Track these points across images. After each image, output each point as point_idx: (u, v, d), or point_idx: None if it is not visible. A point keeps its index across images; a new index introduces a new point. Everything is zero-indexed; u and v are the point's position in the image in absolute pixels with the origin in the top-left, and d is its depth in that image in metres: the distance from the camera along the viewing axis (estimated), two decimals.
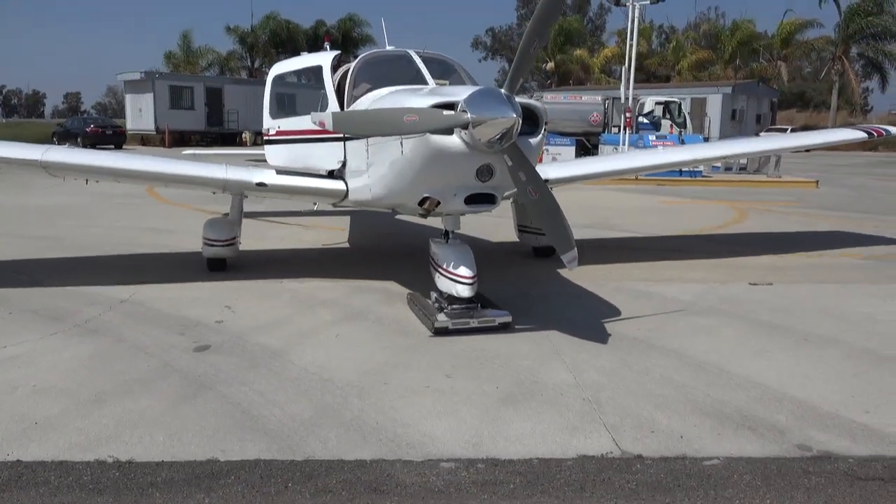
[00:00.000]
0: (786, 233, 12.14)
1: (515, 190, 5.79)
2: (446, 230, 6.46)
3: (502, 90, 5.29)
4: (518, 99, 5.38)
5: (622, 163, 10.34)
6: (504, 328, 6.14)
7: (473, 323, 6.07)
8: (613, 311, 6.95)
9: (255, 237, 10.38)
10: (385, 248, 10.66)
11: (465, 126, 5.20)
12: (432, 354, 5.68)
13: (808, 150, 11.85)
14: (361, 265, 9.13)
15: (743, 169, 22.60)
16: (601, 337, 6.17)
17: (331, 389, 4.97)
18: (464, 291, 5.98)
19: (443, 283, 6.16)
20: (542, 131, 5.80)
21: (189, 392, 4.91)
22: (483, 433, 4.34)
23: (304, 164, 8.04)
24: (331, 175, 7.59)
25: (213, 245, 8.42)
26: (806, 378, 5.26)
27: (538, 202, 5.57)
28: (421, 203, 6.00)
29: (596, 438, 4.28)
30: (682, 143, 24.87)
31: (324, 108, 7.63)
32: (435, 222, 6.57)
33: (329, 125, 5.62)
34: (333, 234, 11.40)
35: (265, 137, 8.84)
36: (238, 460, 3.97)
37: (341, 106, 7.40)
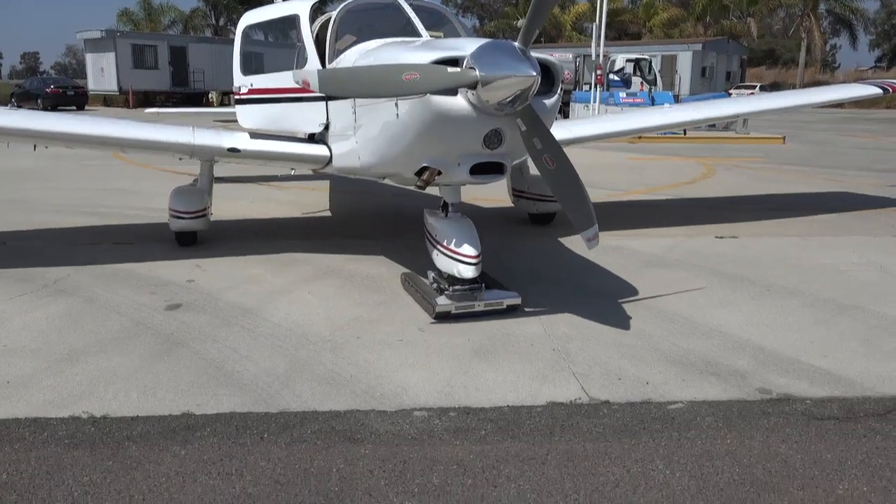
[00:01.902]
0: (752, 188, 12.32)
1: (525, 158, 5.32)
2: (445, 202, 5.72)
3: (516, 43, 4.60)
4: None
5: (639, 121, 9.64)
6: (512, 311, 5.55)
7: (479, 306, 5.45)
8: (582, 266, 7.06)
9: (226, 203, 10.20)
10: (372, 215, 10.00)
11: (472, 86, 4.54)
12: (405, 310, 5.74)
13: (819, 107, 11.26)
14: (345, 237, 8.88)
15: (712, 126, 22.76)
16: (571, 290, 6.28)
17: (304, 345, 5.02)
18: (467, 272, 5.31)
19: (442, 262, 5.50)
20: (559, 91, 5.11)
21: (162, 349, 4.92)
22: (455, 383, 4.43)
23: (280, 127, 7.37)
24: (311, 139, 6.97)
25: (181, 217, 7.55)
26: (768, 326, 5.43)
27: (555, 173, 4.95)
28: (419, 173, 5.31)
29: (565, 386, 4.39)
30: (653, 100, 24.99)
31: (301, 63, 7.03)
32: (434, 189, 5.95)
33: (314, 85, 4.72)
34: (312, 195, 11.30)
35: (236, 97, 8.11)
36: (213, 413, 4.01)
37: (322, 61, 6.73)
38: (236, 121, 8.48)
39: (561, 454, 3.63)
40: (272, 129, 7.49)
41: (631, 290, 6.25)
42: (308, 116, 6.87)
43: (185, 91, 43.96)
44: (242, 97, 8.00)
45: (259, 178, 12.44)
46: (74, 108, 38.24)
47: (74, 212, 9.76)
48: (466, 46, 4.68)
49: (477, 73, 4.48)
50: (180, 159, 8.07)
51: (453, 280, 5.45)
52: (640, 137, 19.10)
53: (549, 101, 5.02)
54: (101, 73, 42.90)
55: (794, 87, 45.86)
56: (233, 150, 7.06)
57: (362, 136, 5.84)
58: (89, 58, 44.35)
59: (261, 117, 7.74)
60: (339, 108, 6.28)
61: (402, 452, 3.63)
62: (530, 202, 8.86)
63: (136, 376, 4.48)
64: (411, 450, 3.67)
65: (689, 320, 5.53)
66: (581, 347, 4.97)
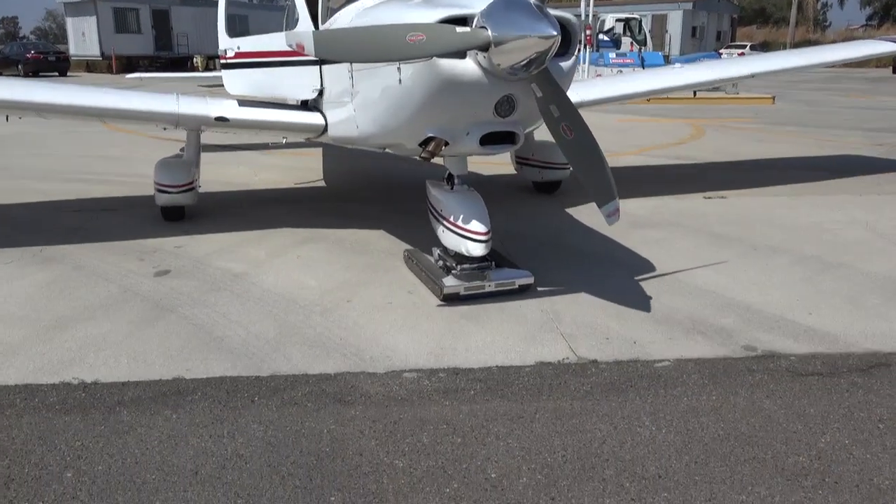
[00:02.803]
0: (741, 148, 12.32)
1: (537, 125, 5.04)
2: (450, 174, 5.37)
3: None
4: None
5: (656, 82, 9.04)
6: (524, 291, 5.21)
7: (489, 286, 5.11)
8: (571, 226, 7.08)
9: (215, 170, 10.09)
10: (365, 179, 9.74)
11: (483, 47, 4.15)
12: (394, 273, 5.75)
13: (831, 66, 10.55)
14: (336, 201, 8.82)
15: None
16: (557, 252, 6.30)
17: (294, 309, 5.03)
18: (476, 250, 4.96)
19: (449, 239, 5.16)
20: (576, 52, 4.74)
21: (151, 315, 4.92)
22: (444, 345, 4.46)
23: (270, 93, 6.97)
24: (305, 106, 6.60)
25: (167, 191, 7.08)
26: (754, 284, 5.47)
27: (574, 143, 4.58)
28: (423, 144, 4.89)
29: (553, 346, 4.43)
30: (643, 61, 24.82)
31: (292, 24, 6.62)
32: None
33: (309, 49, 4.22)
34: (305, 160, 11.21)
35: (222, 61, 7.72)
36: (204, 378, 4.03)
37: (314, 22, 6.31)
38: (223, 86, 8.29)
39: (549, 412, 3.68)
40: (262, 95, 7.16)
41: (618, 251, 6.28)
42: (300, 82, 6.53)
43: (170, 55, 43.26)
44: (228, 61, 7.62)
45: (249, 147, 12.19)
46: (56, 73, 37.64)
47: (61, 179, 9.66)
48: (476, 3, 4.24)
49: (489, 33, 4.07)
50: (164, 129, 7.78)
51: (461, 258, 5.14)
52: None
53: (565, 64, 4.65)
54: (83, 37, 42.11)
55: (784, 46, 45.54)
56: (221, 120, 6.63)
57: (360, 104, 5.44)
58: (70, 22, 43.49)
59: (249, 83, 7.36)
60: (335, 72, 5.89)
61: (393, 413, 3.67)
62: (535, 170, 8.47)
63: (126, 342, 4.49)
64: (401, 410, 3.71)
65: (676, 279, 5.57)
66: (569, 308, 5.00)
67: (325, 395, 3.86)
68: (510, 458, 3.29)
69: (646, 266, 5.88)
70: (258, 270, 5.83)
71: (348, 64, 5.42)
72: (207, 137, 8.43)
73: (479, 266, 5.16)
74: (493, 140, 4.79)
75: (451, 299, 5.04)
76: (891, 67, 39.27)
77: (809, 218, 7.45)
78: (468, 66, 4.32)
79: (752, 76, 9.13)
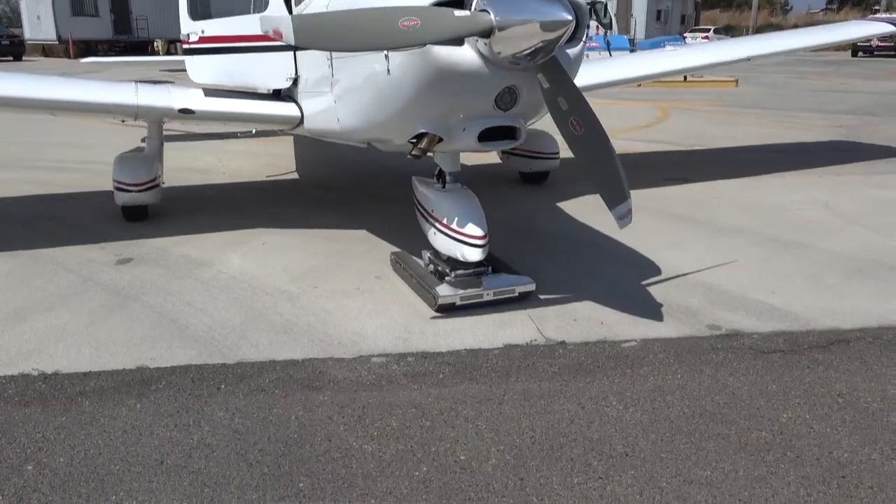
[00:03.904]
0: (705, 131, 12.46)
1: (538, 117, 4.73)
2: (442, 171, 4.94)
3: None
4: None
5: (663, 63, 8.71)
6: (524, 299, 4.82)
7: (488, 295, 4.70)
8: (537, 208, 7.11)
9: (179, 157, 9.89)
10: (345, 175, 9.25)
11: (484, 34, 3.72)
12: (362, 260, 5.71)
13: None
14: (305, 187, 8.68)
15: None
16: (527, 234, 6.32)
17: (260, 296, 4.97)
18: (473, 255, 4.55)
19: (442, 243, 4.73)
20: (584, 38, 4.26)
21: (113, 304, 4.83)
22: (413, 329, 4.45)
23: (239, 81, 6.49)
24: (277, 95, 6.15)
25: (127, 190, 6.49)
26: (717, 265, 5.55)
27: (584, 139, 4.20)
28: (415, 140, 4.46)
29: (521, 329, 4.44)
30: (608, 45, 24.87)
31: (261, 6, 6.07)
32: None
33: (288, 35, 3.64)
34: (278, 148, 11.05)
35: (184, 46, 7.14)
36: (168, 367, 3.97)
37: (287, 4, 5.79)
38: (185, 70, 7.95)
39: (517, 394, 3.70)
40: (229, 83, 6.64)
41: (584, 233, 6.32)
42: (272, 68, 5.99)
43: (129, 39, 42.26)
44: (192, 46, 7.06)
45: (216, 136, 11.63)
46: (11, 58, 36.54)
47: (14, 166, 9.41)
48: None
49: (491, 17, 3.64)
50: (123, 121, 7.37)
51: (455, 263, 4.72)
52: None
53: (573, 51, 4.15)
54: (38, 21, 40.88)
55: (747, 29, 46.07)
56: (185, 112, 6.06)
57: (342, 94, 4.95)
58: (24, 4, 42.12)
59: (215, 70, 6.85)
60: (312, 58, 5.37)
61: (361, 398, 3.66)
62: (523, 160, 8.05)
63: (88, 332, 4.40)
64: (370, 395, 3.69)
65: (642, 261, 5.62)
66: (537, 291, 5.02)
67: (292, 381, 3.83)
68: (479, 440, 3.30)
69: (612, 247, 5.93)
70: (223, 258, 5.74)
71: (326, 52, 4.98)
72: (169, 123, 8.23)
73: (474, 272, 4.74)
74: (492, 136, 4.37)
75: (447, 310, 4.61)
76: (850, 51, 39.93)
77: (771, 199, 7.57)
78: (466, 55, 3.88)
79: (749, 59, 8.75)
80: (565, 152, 5.82)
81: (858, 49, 36.62)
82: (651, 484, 2.99)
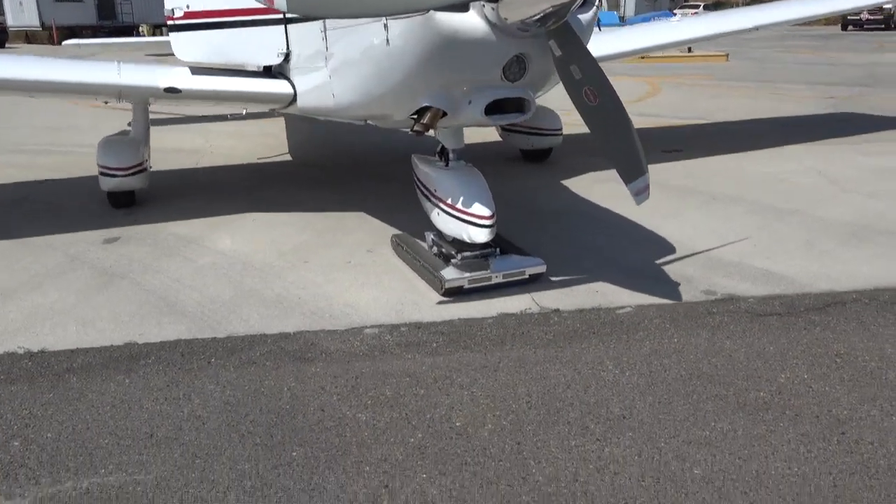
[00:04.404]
0: (696, 103, 12.38)
1: (548, 89, 4.46)
2: (444, 148, 4.70)
3: None
4: None
5: (674, 34, 8.61)
6: (534, 281, 4.56)
7: (497, 277, 4.45)
8: (538, 186, 7.04)
9: (161, 142, 9.69)
10: (340, 155, 8.96)
11: None
12: (354, 234, 5.63)
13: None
14: (297, 166, 8.52)
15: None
16: (523, 208, 6.25)
17: (250, 272, 4.90)
18: (480, 236, 4.32)
19: (447, 223, 4.51)
20: (597, 2, 4.06)
21: (101, 282, 4.75)
22: (406, 300, 4.39)
23: (228, 59, 6.12)
24: (268, 73, 5.81)
25: (114, 175, 6.20)
26: (713, 233, 5.50)
27: (598, 110, 3.94)
28: (417, 115, 4.19)
29: (516, 299, 4.38)
30: (598, 21, 24.61)
31: None
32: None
33: (280, 3, 3.46)
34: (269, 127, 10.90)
35: (169, 22, 6.61)
36: (157, 342, 3.90)
37: None
38: (172, 54, 7.67)
39: (512, 361, 3.65)
40: (217, 61, 6.24)
41: (579, 205, 6.26)
42: (262, 44, 5.65)
43: (114, 24, 41.76)
44: (177, 22, 6.55)
45: (206, 119, 11.34)
46: None
47: (1, 150, 9.26)
48: None
49: None
50: (106, 103, 7.21)
51: (461, 245, 4.49)
52: None
53: (584, 17, 3.93)
54: (21, 7, 40.28)
55: (737, 4, 45.84)
56: (171, 91, 5.71)
57: (337, 69, 4.68)
58: None
59: (202, 47, 6.38)
60: (304, 31, 5.11)
61: (354, 368, 3.60)
62: (523, 137, 7.76)
63: (75, 310, 4.32)
64: (363, 365, 3.64)
65: (637, 231, 5.56)
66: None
67: (284, 353, 3.77)
68: (475, 407, 3.25)
69: (608, 218, 5.87)
70: (212, 236, 5.65)
71: (320, 22, 4.72)
72: (156, 105, 8.04)
73: (481, 253, 4.49)
74: (499, 109, 4.11)
75: (454, 294, 4.37)
76: (839, 25, 39.84)
77: (765, 168, 7.52)
78: (472, 21, 3.64)
79: (756, 29, 8.58)
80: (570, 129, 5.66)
81: (848, 23, 36.56)
82: (650, 445, 2.95)
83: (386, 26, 3.90)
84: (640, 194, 4.20)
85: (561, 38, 3.71)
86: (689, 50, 19.73)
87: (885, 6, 35.05)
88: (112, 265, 5.04)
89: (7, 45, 36.72)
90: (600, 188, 6.73)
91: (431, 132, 4.59)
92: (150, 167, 6.70)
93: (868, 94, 13.18)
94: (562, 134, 7.75)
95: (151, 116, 7.07)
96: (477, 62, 3.86)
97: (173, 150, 8.88)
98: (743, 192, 6.61)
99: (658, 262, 4.93)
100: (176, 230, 5.79)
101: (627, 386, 3.41)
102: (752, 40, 30.22)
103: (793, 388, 3.37)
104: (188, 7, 6.27)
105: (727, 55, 21.08)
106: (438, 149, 4.78)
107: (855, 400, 3.26)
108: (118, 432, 3.10)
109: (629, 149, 4.09)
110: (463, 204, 4.38)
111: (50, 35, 38.96)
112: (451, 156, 4.68)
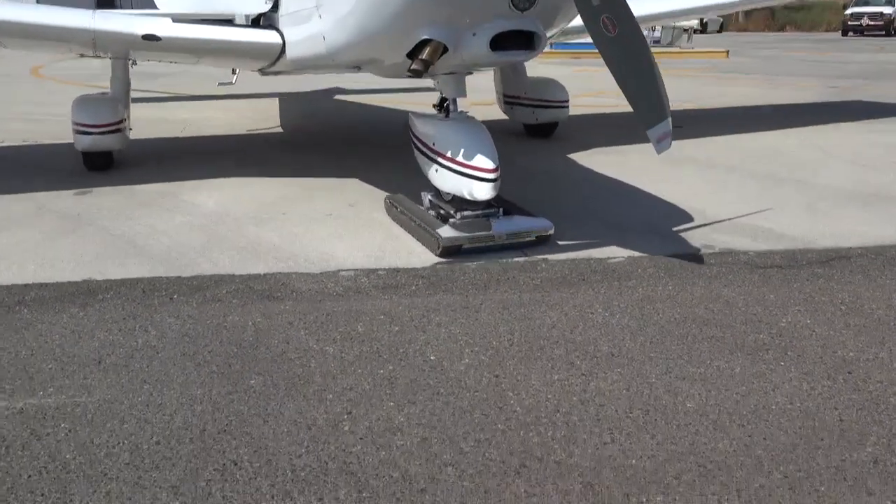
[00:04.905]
0: (697, 91, 12.16)
1: (562, 25, 4.10)
2: (444, 98, 4.36)
3: None
4: None
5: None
6: (542, 243, 4.16)
7: (500, 238, 4.05)
8: (528, 147, 6.82)
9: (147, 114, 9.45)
10: (334, 130, 8.59)
11: None
12: (339, 191, 5.40)
13: None
14: (292, 139, 8.25)
15: (657, 42, 22.51)
16: (516, 171, 6.02)
17: (225, 221, 4.67)
18: (483, 191, 3.92)
19: (446, 179, 4.10)
20: None
21: (67, 227, 4.52)
22: (386, 248, 4.16)
23: (214, 7, 5.83)
24: (256, 25, 5.54)
25: (89, 132, 5.79)
26: (712, 194, 5.28)
27: (617, 42, 3.54)
28: (415, 51, 3.77)
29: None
30: None
31: None
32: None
33: None
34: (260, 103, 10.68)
35: None
36: (118, 279, 3.67)
37: None
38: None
39: (495, 303, 3.41)
40: (203, 11, 5.92)
41: (574, 170, 6.05)
42: None
43: None
44: None
45: (193, 98, 11.13)
46: None
47: None
48: None
49: None
50: (80, 56, 6.68)
51: (461, 203, 4.09)
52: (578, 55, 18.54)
53: None
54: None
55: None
56: (150, 38, 5.30)
57: (329, 8, 4.35)
58: None
59: None
60: None
61: (325, 307, 3.37)
62: (527, 110, 7.32)
63: (35, 251, 4.09)
64: (335, 304, 3.40)
65: (631, 192, 5.34)
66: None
67: (252, 292, 3.54)
68: (452, 343, 3.01)
69: (601, 182, 5.66)
70: (191, 191, 5.41)
71: None
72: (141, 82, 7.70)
73: (483, 213, 4.09)
74: (505, 43, 3.72)
75: (452, 253, 3.97)
76: (840, 31, 39.72)
77: (765, 143, 7.30)
78: None
79: None
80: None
81: (849, 28, 36.35)
82: (639, 379, 2.72)
83: None
84: (662, 141, 3.76)
85: None
86: (702, 24, 19.27)
87: (886, 11, 34.98)
88: (81, 213, 4.81)
89: None
90: (596, 157, 6.52)
91: (431, 81, 4.36)
92: (130, 129, 6.35)
93: (871, 85, 12.95)
94: (568, 106, 7.37)
95: (137, 95, 6.76)
96: None
97: (158, 119, 8.67)
98: (742, 162, 6.39)
99: (654, 219, 4.70)
100: (153, 188, 5.54)
101: (617, 327, 3.17)
102: (751, 43, 30.09)
103: (795, 331, 3.13)
104: None
105: (727, 52, 20.91)
106: (438, 100, 4.46)
107: (862, 343, 3.02)
108: (63, 358, 2.86)
109: (650, 89, 3.67)
110: (464, 156, 3.99)
111: None
112: (451, 106, 4.31)
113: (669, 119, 3.70)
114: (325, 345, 2.99)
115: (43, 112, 9.36)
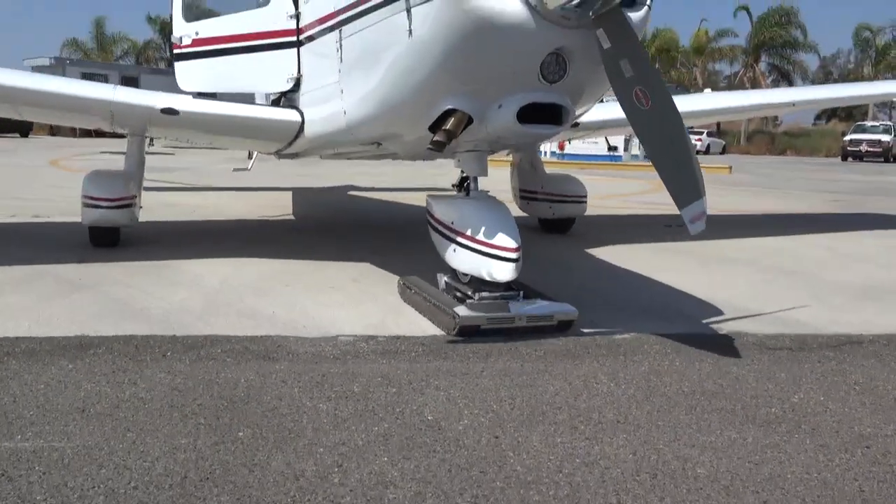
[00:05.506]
0: None
1: (594, 100, 3.98)
2: (465, 177, 4.27)
3: None
4: None
5: (719, 101, 9.01)
6: (564, 330, 3.88)
7: (521, 320, 3.79)
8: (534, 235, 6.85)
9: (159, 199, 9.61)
10: (345, 216, 8.75)
11: None
12: (339, 267, 5.38)
13: None
14: (300, 225, 8.33)
15: None
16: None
17: (226, 289, 4.64)
18: (503, 272, 3.69)
19: (464, 260, 3.89)
20: (649, 1, 3.49)
21: (64, 290, 4.48)
22: (387, 320, 4.08)
23: (235, 86, 5.81)
24: (276, 103, 5.61)
25: (98, 206, 5.69)
26: (717, 284, 5.22)
27: (651, 115, 3.37)
28: (438, 123, 3.62)
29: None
30: (614, 148, 24.55)
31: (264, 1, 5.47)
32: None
33: None
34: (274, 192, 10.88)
35: (175, 51, 6.17)
36: (112, 335, 3.59)
37: None
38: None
39: (497, 371, 3.31)
40: (224, 89, 5.94)
41: (578, 258, 6.04)
42: (273, 69, 5.28)
43: None
44: (184, 51, 6.13)
45: (207, 189, 11.32)
46: (18, 134, 37.10)
47: None
48: None
49: None
50: (94, 133, 6.90)
51: (479, 285, 3.84)
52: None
53: (636, 15, 3.41)
54: None
55: (740, 134, 47.26)
56: (169, 112, 5.28)
57: (351, 79, 4.27)
58: None
59: (207, 76, 5.92)
60: (317, 50, 4.82)
61: (322, 368, 3.27)
62: (544, 205, 7.23)
63: (32, 310, 4.04)
64: (332, 366, 3.30)
65: (637, 279, 5.31)
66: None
67: (247, 352, 3.45)
68: (450, 404, 2.89)
69: (608, 269, 5.64)
70: (193, 261, 5.41)
71: (336, 33, 4.38)
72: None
73: (502, 295, 3.84)
74: (533, 116, 3.55)
75: (468, 334, 3.72)
76: (839, 156, 40.80)
77: (772, 243, 7.32)
78: (509, 4, 3.17)
79: (793, 104, 8.97)
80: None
81: (848, 154, 37.35)
82: (647, 446, 2.58)
83: (409, 12, 3.47)
84: (696, 222, 3.53)
85: (611, 26, 3.22)
86: (718, 126, 19.78)
87: (884, 139, 35.97)
88: (80, 278, 4.79)
89: (30, 135, 37.81)
90: (606, 249, 6.53)
91: (453, 163, 4.27)
92: (140, 207, 6.29)
93: (872, 200, 13.15)
94: (586, 201, 7.30)
95: (150, 185, 6.69)
96: (512, 54, 3.34)
97: (169, 204, 8.80)
98: (749, 257, 6.40)
99: (658, 301, 4.68)
100: (157, 255, 5.56)
101: (623, 397, 3.05)
102: (751, 163, 30.90)
103: (808, 407, 3.00)
104: (197, 34, 5.97)
105: (730, 167, 21.41)
106: (458, 180, 4.37)
107: (879, 420, 2.89)
108: (46, 406, 2.75)
109: (685, 165, 3.49)
110: (485, 235, 3.78)
111: (73, 129, 40.11)
112: (472, 185, 4.16)
113: (705, 199, 3.52)
114: (319, 402, 2.87)
115: (58, 195, 9.53)
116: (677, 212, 3.60)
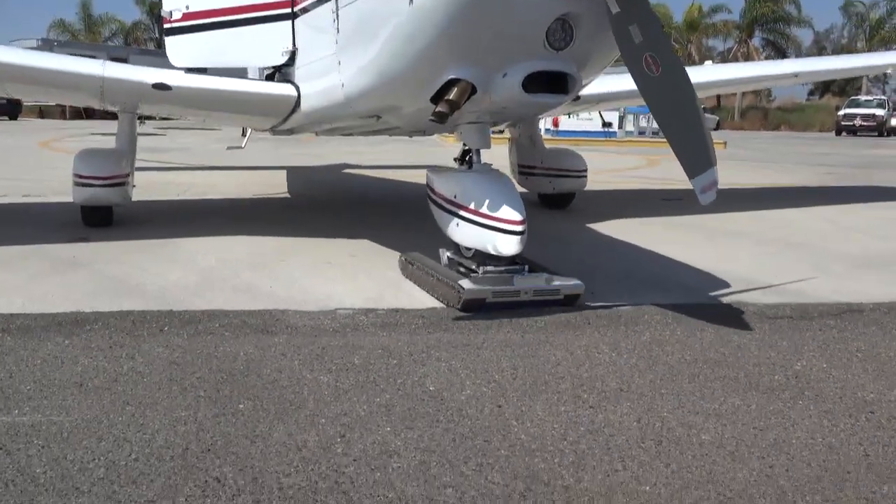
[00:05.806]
0: None
1: (600, 68, 3.86)
2: (467, 150, 4.18)
3: None
4: None
5: (722, 73, 9.00)
6: (570, 303, 3.82)
7: (526, 294, 3.73)
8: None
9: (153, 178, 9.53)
10: (341, 195, 8.64)
11: None
12: (336, 243, 5.34)
13: None
14: (297, 201, 8.25)
15: (655, 133, 23.04)
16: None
17: (221, 266, 4.60)
18: (508, 245, 3.62)
19: (467, 234, 3.82)
20: None
21: (58, 268, 4.44)
22: (386, 294, 4.05)
23: (228, 61, 5.60)
24: (270, 78, 5.48)
25: (89, 184, 5.57)
26: (718, 256, 5.20)
27: (661, 83, 3.26)
28: (440, 93, 3.51)
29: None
30: (608, 124, 24.44)
31: None
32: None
33: None
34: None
35: (165, 25, 5.86)
36: (108, 311, 3.55)
37: None
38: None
39: (498, 342, 3.28)
40: (217, 64, 5.70)
41: (579, 232, 6.02)
42: (267, 42, 5.15)
43: None
44: (174, 25, 5.81)
45: (198, 168, 11.22)
46: (7, 118, 36.72)
47: None
48: None
49: None
50: (84, 112, 6.83)
51: (484, 259, 3.80)
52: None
53: None
54: None
55: (733, 110, 47.16)
56: (160, 87, 5.15)
57: (349, 50, 4.15)
58: None
59: (199, 50, 5.64)
60: (313, 21, 4.71)
61: (321, 341, 3.24)
62: (544, 180, 7.17)
63: (25, 287, 4.00)
64: (331, 339, 3.27)
65: (637, 252, 5.29)
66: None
67: (245, 326, 3.42)
68: (452, 375, 2.87)
69: (606, 242, 5.62)
70: (190, 238, 5.36)
71: (332, 3, 4.27)
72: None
73: (507, 269, 3.80)
74: (539, 85, 3.45)
75: (474, 308, 3.64)
76: (833, 131, 40.76)
77: (774, 214, 7.32)
78: None
79: (796, 75, 8.77)
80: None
81: (842, 128, 37.31)
82: (651, 413, 2.56)
83: None
84: (706, 192, 3.45)
85: None
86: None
87: (878, 113, 35.90)
88: (74, 256, 4.74)
89: (19, 118, 37.42)
90: (603, 224, 6.50)
91: (453, 137, 4.13)
92: (134, 186, 6.17)
93: (868, 174, 13.15)
94: (586, 176, 7.23)
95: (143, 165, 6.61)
96: (517, 21, 3.22)
97: (163, 182, 8.73)
98: (751, 229, 6.40)
99: (658, 273, 4.65)
100: (153, 233, 5.50)
101: (625, 366, 3.03)
102: (745, 139, 30.84)
103: (811, 374, 2.99)
104: (187, 7, 5.73)
105: (725, 143, 21.34)
106: (461, 153, 4.28)
107: (882, 386, 2.88)
108: (43, 381, 2.72)
109: (696, 134, 3.39)
110: (489, 208, 3.68)
111: (63, 110, 39.75)
112: (474, 157, 4.06)
113: (716, 168, 3.42)
114: (320, 374, 2.85)
115: (50, 175, 9.44)
116: (673, 187, 3.55)
